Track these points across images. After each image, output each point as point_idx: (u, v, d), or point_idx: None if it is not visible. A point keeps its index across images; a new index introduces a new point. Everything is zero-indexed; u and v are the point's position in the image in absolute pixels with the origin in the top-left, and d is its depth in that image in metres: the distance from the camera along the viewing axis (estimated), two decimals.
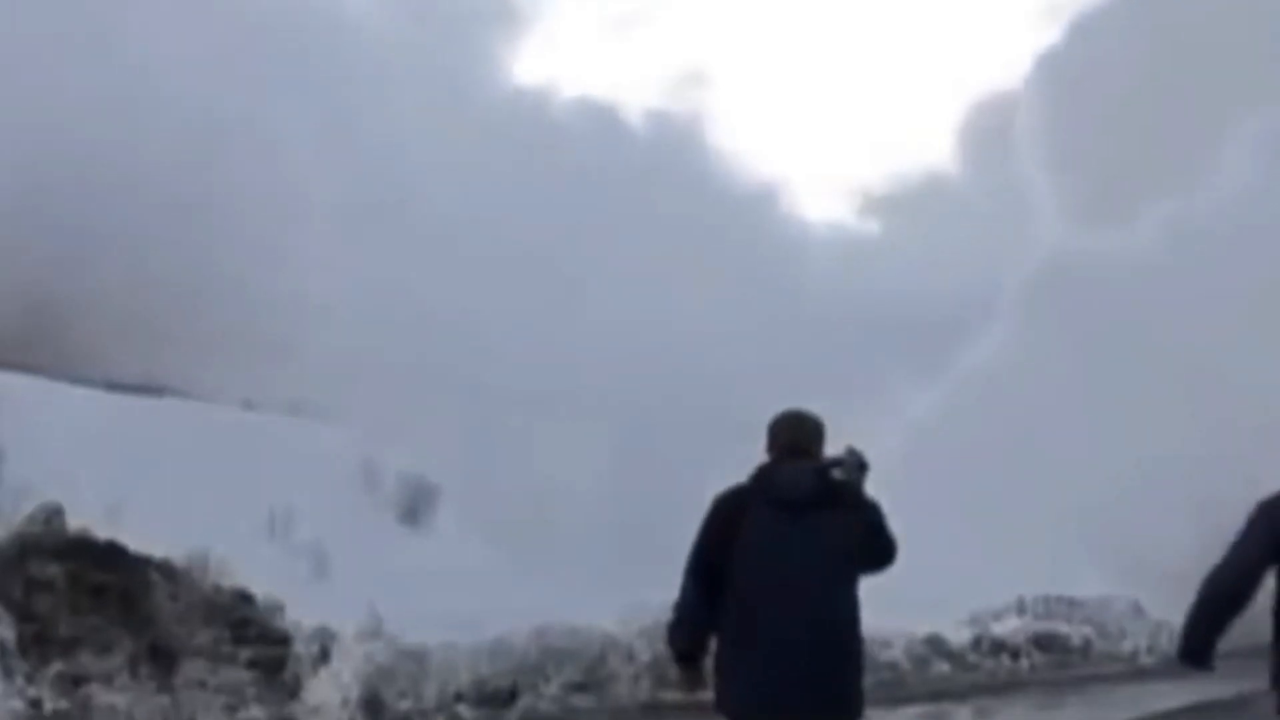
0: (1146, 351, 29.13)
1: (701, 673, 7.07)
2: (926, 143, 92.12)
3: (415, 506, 23.54)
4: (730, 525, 6.87)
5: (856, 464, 6.92)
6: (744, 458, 7.26)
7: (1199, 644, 6.50)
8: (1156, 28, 37.26)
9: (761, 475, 6.95)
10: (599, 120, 37.40)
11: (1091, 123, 37.45)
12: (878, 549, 6.96)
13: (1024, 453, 28.20)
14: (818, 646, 6.74)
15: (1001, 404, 29.65)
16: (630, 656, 20.93)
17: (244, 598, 18.65)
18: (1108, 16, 39.70)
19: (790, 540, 6.77)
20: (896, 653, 22.84)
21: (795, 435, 6.97)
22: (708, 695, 7.05)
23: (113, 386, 23.56)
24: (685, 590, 7.00)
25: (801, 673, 6.72)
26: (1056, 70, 40.47)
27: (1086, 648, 25.91)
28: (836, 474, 6.91)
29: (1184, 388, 28.41)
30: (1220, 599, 6.45)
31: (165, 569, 18.21)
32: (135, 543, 18.02)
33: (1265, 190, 30.46)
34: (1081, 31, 40.68)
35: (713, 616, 6.92)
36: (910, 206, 44.57)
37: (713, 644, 7.01)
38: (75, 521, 18.04)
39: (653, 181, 34.26)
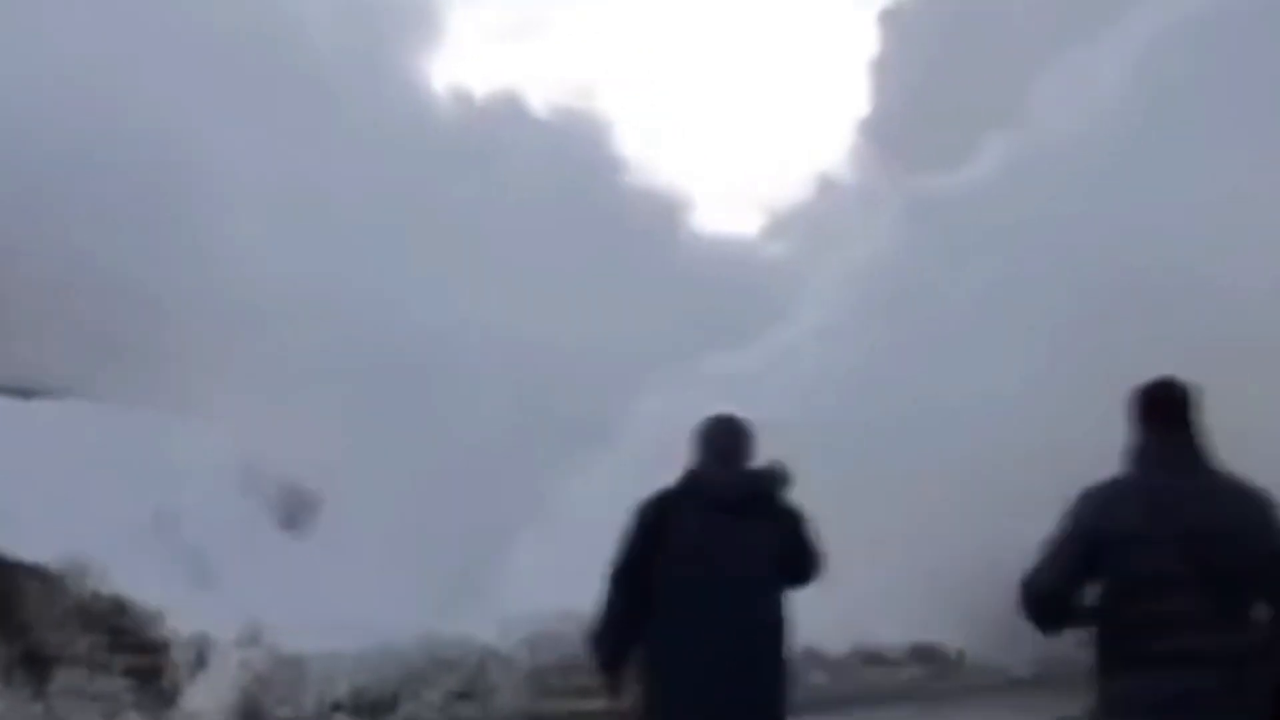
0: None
1: (625, 681, 6.98)
2: (821, 154, 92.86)
3: (295, 513, 23.33)
4: (657, 530, 6.77)
5: (780, 477, 6.89)
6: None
7: (1052, 615, 5.56)
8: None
9: (690, 479, 6.86)
10: (511, 112, 38.00)
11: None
12: (803, 561, 6.92)
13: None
14: (745, 651, 6.69)
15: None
16: (510, 666, 20.86)
17: (121, 605, 18.39)
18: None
19: (720, 543, 6.69)
20: None
21: (727, 441, 6.90)
22: (628, 704, 6.97)
23: None
24: (610, 598, 6.86)
25: (728, 678, 6.66)
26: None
27: (961, 659, 26.07)
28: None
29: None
30: (1041, 601, 5.55)
31: (40, 575, 17.92)
32: (9, 548, 17.71)
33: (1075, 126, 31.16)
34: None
35: (637, 624, 6.83)
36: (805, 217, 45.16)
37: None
38: None
39: (559, 171, 34.76)
